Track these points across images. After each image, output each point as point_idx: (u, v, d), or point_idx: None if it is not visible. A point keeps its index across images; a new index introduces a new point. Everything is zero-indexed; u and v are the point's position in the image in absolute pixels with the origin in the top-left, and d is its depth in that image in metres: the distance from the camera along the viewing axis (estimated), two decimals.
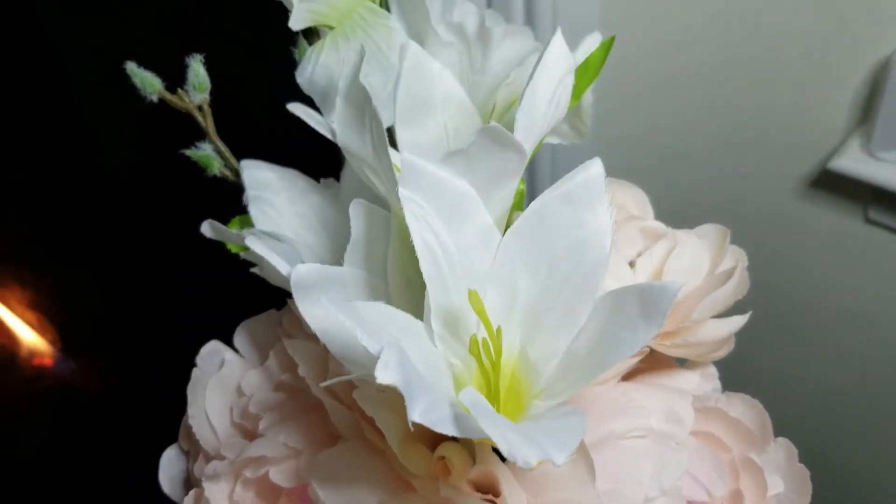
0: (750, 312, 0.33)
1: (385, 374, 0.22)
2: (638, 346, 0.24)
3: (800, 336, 0.80)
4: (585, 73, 0.32)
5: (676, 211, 0.74)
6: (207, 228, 0.33)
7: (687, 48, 0.66)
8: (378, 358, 0.23)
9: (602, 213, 0.27)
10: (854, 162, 0.64)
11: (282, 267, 0.30)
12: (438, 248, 0.27)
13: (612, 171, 0.68)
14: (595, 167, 0.27)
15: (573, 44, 0.50)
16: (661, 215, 0.68)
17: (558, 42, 0.28)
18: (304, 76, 0.33)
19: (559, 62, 0.28)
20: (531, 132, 0.29)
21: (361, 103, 0.30)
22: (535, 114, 0.29)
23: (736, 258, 0.35)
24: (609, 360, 0.25)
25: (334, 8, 0.33)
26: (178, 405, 0.40)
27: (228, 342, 0.39)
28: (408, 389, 0.22)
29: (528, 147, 0.29)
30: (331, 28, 0.34)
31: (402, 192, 0.27)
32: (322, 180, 0.39)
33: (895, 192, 0.64)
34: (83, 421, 1.09)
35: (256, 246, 0.30)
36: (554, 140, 0.37)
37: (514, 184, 0.30)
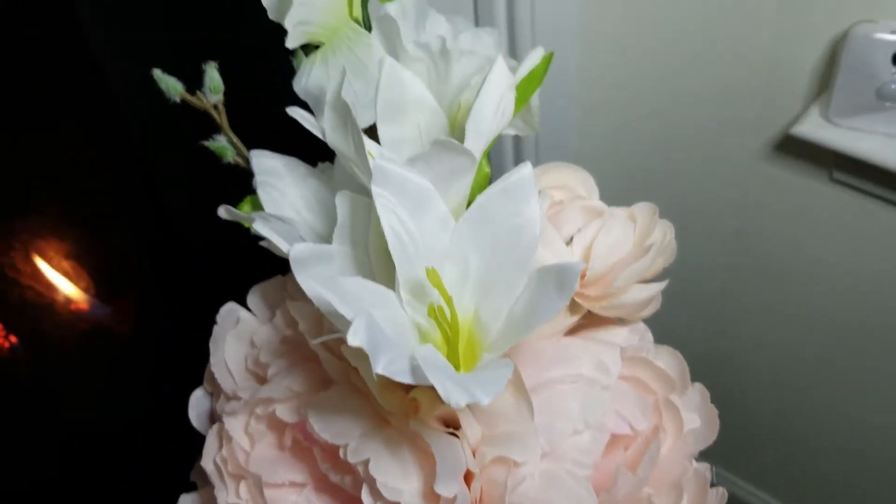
0: (667, 280, 0.40)
1: (354, 339, 0.29)
2: (553, 311, 0.32)
3: (771, 283, 0.87)
4: (530, 83, 0.39)
5: (650, 173, 0.81)
6: (223, 212, 0.40)
7: (658, 20, 0.72)
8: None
9: (533, 205, 0.34)
10: (814, 128, 0.70)
11: (283, 246, 0.38)
12: (404, 233, 0.35)
13: (589, 137, 0.74)
14: (526, 169, 0.34)
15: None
16: (635, 178, 0.75)
17: (500, 66, 0.34)
18: (299, 85, 0.40)
19: (501, 81, 0.35)
20: (480, 138, 0.36)
21: (345, 114, 0.36)
22: (482, 124, 0.35)
23: (664, 231, 0.42)
24: (535, 322, 0.32)
25: (324, 28, 0.39)
26: (197, 344, 0.48)
27: (242, 297, 0.46)
28: (372, 350, 0.29)
29: (478, 149, 0.36)
30: (322, 44, 0.40)
31: (374, 189, 0.34)
32: (319, 164, 0.46)
33: (853, 156, 0.69)
34: (116, 360, 1.19)
35: (262, 229, 0.38)
36: (511, 132, 0.44)
37: (468, 178, 0.37)
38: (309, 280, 0.35)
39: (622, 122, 0.78)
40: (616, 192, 0.82)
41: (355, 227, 0.38)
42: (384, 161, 0.34)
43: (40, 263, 1.28)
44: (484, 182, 0.44)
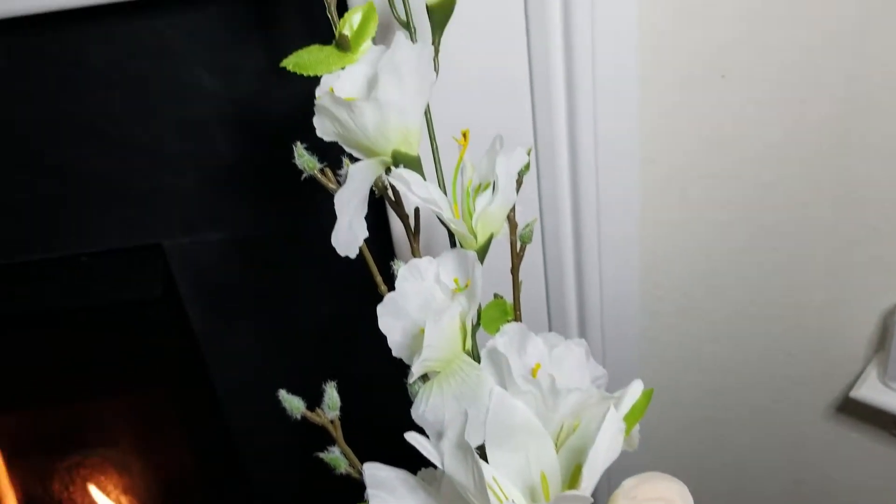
0: None
1: None
2: None
3: None
4: (633, 416, 0.42)
5: (719, 438, 0.83)
6: None
7: (719, 289, 0.77)
8: None
9: None
10: (873, 392, 0.73)
11: None
12: None
13: (651, 382, 0.75)
14: None
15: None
16: (705, 439, 0.76)
17: (612, 417, 0.38)
18: (417, 412, 0.44)
19: (612, 427, 0.38)
20: (594, 479, 0.39)
21: (466, 453, 0.40)
22: (596, 466, 0.38)
23: None
24: None
25: (440, 361, 0.44)
26: None
27: None
28: None
29: (592, 487, 0.39)
30: (436, 372, 0.45)
31: None
32: (423, 470, 0.49)
33: None
34: None
35: None
36: None
37: None
38: None
39: (684, 375, 0.81)
40: (676, 438, 0.83)
41: None
42: None
43: (97, 499, 1.29)
44: None
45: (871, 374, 0.74)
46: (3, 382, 0.79)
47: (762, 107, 0.66)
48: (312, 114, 0.43)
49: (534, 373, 0.44)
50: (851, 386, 0.74)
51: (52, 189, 0.66)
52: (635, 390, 0.42)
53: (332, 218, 0.43)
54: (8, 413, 0.86)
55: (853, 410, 0.78)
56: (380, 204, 0.48)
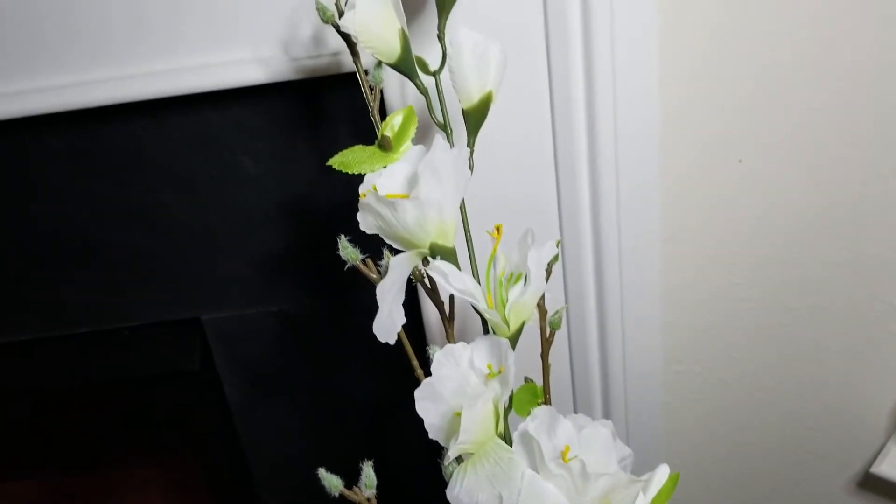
0: None
1: None
2: None
3: None
4: (659, 501, 0.44)
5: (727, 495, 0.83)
6: None
7: (739, 364, 0.78)
8: None
9: None
10: (894, 468, 0.73)
11: None
12: None
13: (677, 454, 0.76)
14: None
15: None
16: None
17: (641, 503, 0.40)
18: (452, 494, 0.46)
19: None
20: None
21: None
22: None
23: None
24: None
25: (474, 443, 0.46)
26: None
27: None
28: None
29: None
30: (470, 454, 0.47)
31: None
32: None
33: None
34: None
35: None
36: None
37: None
38: None
39: (705, 450, 0.82)
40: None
41: None
42: None
43: None
44: None
45: (892, 449, 0.75)
46: (45, 450, 0.82)
47: (779, 189, 0.69)
48: (350, 198, 0.45)
49: (563, 455, 0.46)
50: (872, 461, 0.75)
51: (98, 266, 0.70)
52: (662, 474, 0.44)
53: (367, 295, 0.45)
54: (49, 478, 0.88)
55: (874, 486, 0.79)
56: (411, 288, 0.51)
